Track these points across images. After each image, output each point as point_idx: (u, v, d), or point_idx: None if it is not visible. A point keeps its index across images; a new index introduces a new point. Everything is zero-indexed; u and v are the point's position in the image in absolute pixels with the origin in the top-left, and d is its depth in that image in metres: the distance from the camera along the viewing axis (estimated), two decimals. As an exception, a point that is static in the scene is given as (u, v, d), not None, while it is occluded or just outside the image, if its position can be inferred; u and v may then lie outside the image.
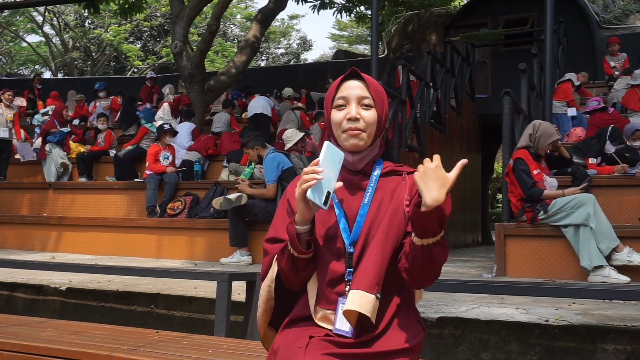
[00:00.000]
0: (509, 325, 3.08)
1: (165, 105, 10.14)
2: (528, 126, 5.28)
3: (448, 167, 1.41)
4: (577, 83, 8.73)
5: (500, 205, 13.64)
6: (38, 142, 9.98)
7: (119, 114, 11.33)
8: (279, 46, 32.35)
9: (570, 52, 11.52)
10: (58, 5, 23.16)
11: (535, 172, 5.00)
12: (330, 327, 1.55)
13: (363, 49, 29.02)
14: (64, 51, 26.25)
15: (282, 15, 28.58)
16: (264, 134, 8.47)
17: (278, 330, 1.65)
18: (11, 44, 28.51)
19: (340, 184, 1.50)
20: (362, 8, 15.51)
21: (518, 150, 5.14)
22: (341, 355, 1.48)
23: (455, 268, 5.73)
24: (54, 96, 12.66)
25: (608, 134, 6.28)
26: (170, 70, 18.83)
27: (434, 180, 1.41)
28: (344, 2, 14.51)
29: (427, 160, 1.44)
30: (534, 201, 4.97)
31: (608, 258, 4.64)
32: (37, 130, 10.96)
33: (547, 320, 3.08)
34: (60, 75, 25.74)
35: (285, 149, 6.81)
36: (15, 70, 28.64)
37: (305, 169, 1.48)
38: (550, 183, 5.06)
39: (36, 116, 12.17)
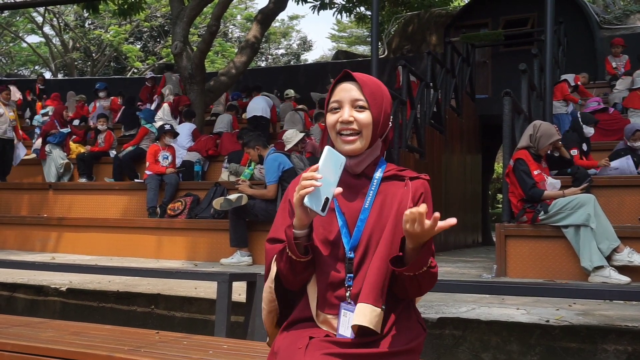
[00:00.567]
0: (510, 326, 3.07)
1: (165, 105, 10.14)
2: (528, 127, 5.28)
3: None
4: (573, 84, 8.74)
5: (500, 205, 13.65)
6: (38, 142, 9.97)
7: (119, 114, 11.33)
8: (279, 47, 32.38)
9: (570, 53, 11.52)
10: (58, 6, 23.16)
11: (535, 172, 4.99)
12: (332, 332, 1.55)
13: (362, 49, 29.02)
14: (64, 52, 26.27)
15: (282, 15, 28.65)
16: (264, 136, 8.46)
17: None
18: (11, 44, 28.53)
19: (340, 189, 1.48)
20: (362, 8, 15.52)
21: (518, 151, 5.14)
22: (342, 356, 1.47)
23: (456, 268, 5.73)
24: (54, 97, 12.66)
25: (580, 119, 6.36)
26: (173, 68, 18.78)
27: (419, 228, 1.40)
28: (344, 3, 14.52)
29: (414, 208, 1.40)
30: (535, 202, 4.97)
31: (609, 258, 4.64)
32: (37, 130, 10.96)
33: (547, 321, 3.08)
34: (60, 76, 25.75)
35: (286, 149, 6.81)
36: (15, 71, 28.65)
37: (304, 175, 1.46)
38: (552, 184, 5.05)
39: (36, 117, 12.17)
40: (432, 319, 3.20)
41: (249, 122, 9.77)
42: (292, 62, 29.70)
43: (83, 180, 8.92)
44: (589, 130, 6.46)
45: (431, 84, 8.23)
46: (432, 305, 3.51)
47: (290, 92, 11.57)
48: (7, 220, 8.05)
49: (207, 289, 4.11)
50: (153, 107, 11.04)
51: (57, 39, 26.76)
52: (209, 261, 6.45)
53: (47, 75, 25.16)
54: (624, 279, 4.54)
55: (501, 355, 3.04)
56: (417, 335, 1.58)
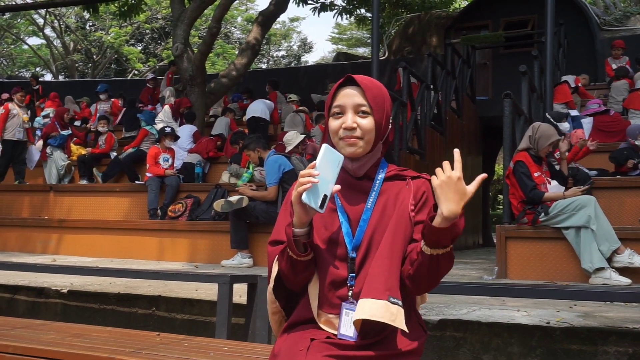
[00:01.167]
0: (510, 328, 3.07)
1: (166, 107, 10.14)
2: (528, 128, 5.28)
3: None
4: (573, 85, 8.73)
5: (501, 207, 13.65)
6: (39, 144, 9.97)
7: (120, 116, 11.34)
8: (280, 48, 32.41)
9: (570, 54, 11.52)
10: (59, 8, 23.19)
11: (535, 174, 4.99)
12: (333, 332, 1.55)
13: (363, 51, 29.04)
14: (65, 54, 26.27)
15: (283, 17, 28.56)
16: (263, 138, 8.46)
17: None
18: (12, 46, 28.54)
19: (338, 187, 1.48)
20: (363, 10, 15.53)
21: (518, 153, 5.14)
22: (343, 357, 1.47)
23: (457, 270, 5.72)
24: (53, 97, 12.66)
25: (551, 118, 6.36)
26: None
27: (454, 193, 1.41)
28: (344, 5, 14.53)
29: (447, 168, 1.43)
30: (535, 203, 4.97)
31: (609, 260, 4.64)
32: (38, 132, 10.96)
33: (548, 323, 3.08)
34: (61, 78, 25.76)
35: (286, 151, 6.81)
36: (17, 73, 28.69)
37: (301, 172, 1.46)
38: (556, 187, 5.04)
39: (37, 119, 12.17)
40: (432, 321, 3.20)
41: (248, 124, 9.77)
42: (292, 64, 29.72)
43: (84, 182, 8.92)
44: (564, 127, 6.41)
45: (432, 85, 8.25)
46: (432, 307, 3.51)
47: (293, 97, 11.57)
48: (8, 222, 8.05)
49: (208, 291, 4.11)
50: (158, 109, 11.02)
51: (58, 41, 26.78)
52: (210, 263, 6.45)
53: (48, 77, 25.22)
54: (625, 281, 4.54)
55: (502, 357, 3.04)
56: (418, 337, 1.58)
